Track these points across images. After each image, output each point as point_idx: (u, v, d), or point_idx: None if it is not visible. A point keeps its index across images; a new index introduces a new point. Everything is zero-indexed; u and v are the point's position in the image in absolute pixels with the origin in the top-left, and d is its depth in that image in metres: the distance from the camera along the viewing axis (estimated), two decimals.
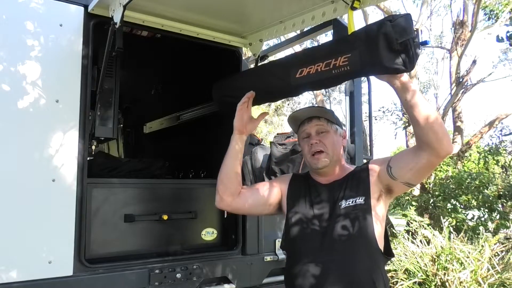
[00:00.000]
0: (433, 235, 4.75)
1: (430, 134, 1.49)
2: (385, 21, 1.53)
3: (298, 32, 3.06)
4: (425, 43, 1.81)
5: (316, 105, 11.64)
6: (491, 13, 9.75)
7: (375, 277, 1.61)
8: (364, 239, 1.62)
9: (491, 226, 6.45)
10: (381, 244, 1.65)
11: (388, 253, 1.69)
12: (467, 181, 7.18)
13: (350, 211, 1.65)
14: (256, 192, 1.87)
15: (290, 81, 1.90)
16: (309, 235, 1.70)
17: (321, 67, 1.74)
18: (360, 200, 1.65)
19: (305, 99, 17.40)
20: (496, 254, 4.47)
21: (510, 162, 7.97)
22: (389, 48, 1.50)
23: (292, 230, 1.75)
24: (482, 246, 4.50)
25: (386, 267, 1.82)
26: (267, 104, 14.64)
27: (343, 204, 1.67)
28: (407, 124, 9.24)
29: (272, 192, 1.87)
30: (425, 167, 1.58)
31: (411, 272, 4.39)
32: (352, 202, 1.66)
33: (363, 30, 1.67)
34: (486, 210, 6.76)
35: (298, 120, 1.88)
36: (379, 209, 1.67)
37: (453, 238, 4.71)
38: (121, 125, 4.53)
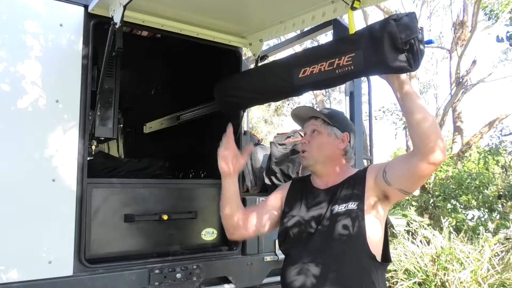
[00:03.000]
0: (433, 235, 4.75)
1: (422, 138, 1.44)
2: (389, 20, 1.52)
3: (298, 32, 3.07)
4: (430, 42, 1.81)
5: (316, 106, 11.65)
6: (491, 13, 9.76)
7: (364, 283, 1.58)
8: (353, 243, 1.58)
9: (491, 226, 6.44)
10: (376, 249, 1.60)
11: (386, 259, 1.65)
12: (467, 181, 7.18)
13: (341, 215, 1.62)
14: (261, 213, 1.86)
15: (293, 81, 1.89)
16: (300, 238, 1.70)
17: (324, 67, 1.74)
18: (352, 206, 1.62)
19: (305, 99, 17.41)
20: (496, 254, 4.46)
21: (510, 162, 7.97)
22: (394, 47, 1.48)
23: (286, 232, 1.75)
24: (482, 246, 4.50)
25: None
26: (267, 104, 14.67)
27: (336, 208, 1.64)
28: (407, 124, 9.23)
29: (275, 205, 1.88)
30: (417, 174, 1.51)
31: (411, 272, 4.39)
32: (344, 207, 1.63)
33: (367, 29, 1.65)
34: (486, 210, 6.76)
35: (301, 118, 1.93)
36: (375, 214, 1.62)
37: (453, 238, 4.71)
38: (121, 125, 4.53)
